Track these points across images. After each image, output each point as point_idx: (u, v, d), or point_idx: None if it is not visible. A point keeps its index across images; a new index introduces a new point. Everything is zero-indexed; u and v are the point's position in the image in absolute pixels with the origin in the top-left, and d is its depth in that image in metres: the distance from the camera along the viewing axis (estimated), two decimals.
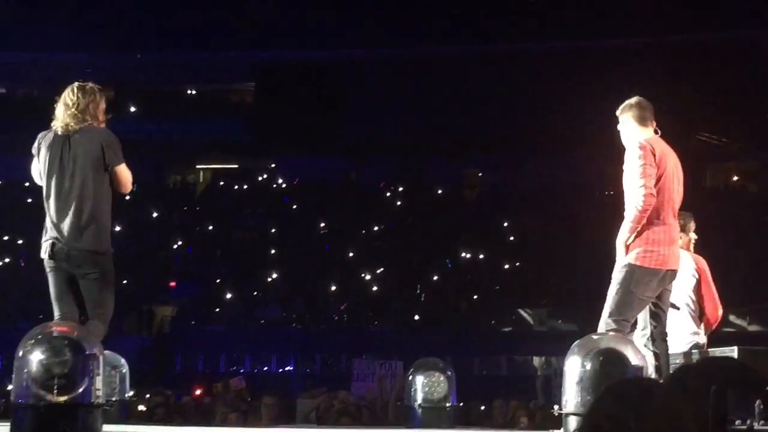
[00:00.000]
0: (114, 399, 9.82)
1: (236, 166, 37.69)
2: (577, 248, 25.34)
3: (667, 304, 7.39)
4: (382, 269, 28.21)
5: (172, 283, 28.58)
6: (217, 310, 27.14)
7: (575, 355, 6.79)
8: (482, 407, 16.21)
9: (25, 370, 6.33)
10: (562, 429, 6.92)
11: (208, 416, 14.75)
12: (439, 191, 33.85)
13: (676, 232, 7.29)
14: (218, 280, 28.20)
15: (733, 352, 7.54)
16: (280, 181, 35.35)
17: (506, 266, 28.18)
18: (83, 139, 7.20)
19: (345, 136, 34.79)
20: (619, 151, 7.39)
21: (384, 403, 15.04)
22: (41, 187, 7.37)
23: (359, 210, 31.84)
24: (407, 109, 33.97)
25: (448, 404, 11.35)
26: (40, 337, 6.46)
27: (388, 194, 33.59)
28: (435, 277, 27.85)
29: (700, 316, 8.62)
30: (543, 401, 16.90)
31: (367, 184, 34.04)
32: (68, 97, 7.29)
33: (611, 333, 6.97)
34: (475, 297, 26.90)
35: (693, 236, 8.65)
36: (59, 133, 7.25)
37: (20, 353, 6.40)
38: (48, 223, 7.20)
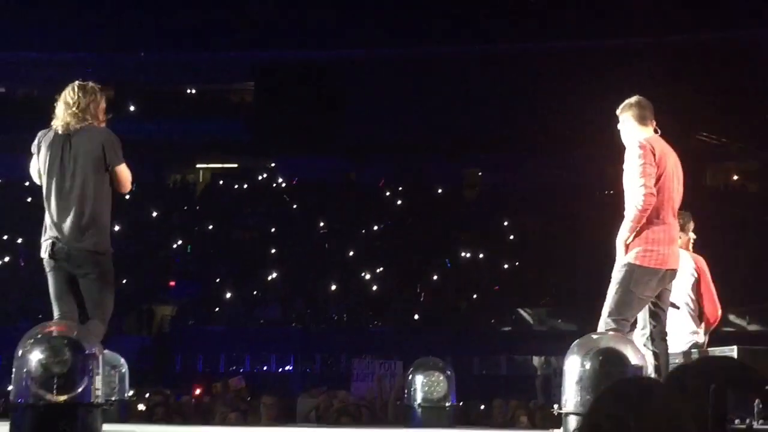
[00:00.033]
0: (113, 398, 9.83)
1: (236, 165, 37.70)
2: (576, 248, 25.34)
3: (666, 304, 7.39)
4: (381, 269, 28.21)
5: (172, 283, 28.57)
6: (217, 309, 27.14)
7: (575, 355, 6.79)
8: (482, 407, 16.21)
9: (25, 370, 6.33)
10: (561, 428, 6.92)
11: (208, 416, 14.76)
12: (439, 191, 33.86)
13: (675, 231, 7.29)
14: (218, 280, 28.20)
15: (732, 351, 7.54)
16: (280, 180, 35.36)
17: (506, 266, 28.18)
18: (84, 138, 7.19)
19: (345, 136, 34.79)
20: (619, 150, 7.39)
21: (383, 403, 15.05)
22: (40, 186, 7.36)
23: (359, 210, 31.84)
24: (407, 109, 33.97)
25: (447, 404, 11.35)
26: (39, 336, 6.46)
27: (388, 194, 33.58)
28: (435, 277, 27.85)
29: (699, 315, 8.62)
30: (542, 401, 16.91)
31: (367, 184, 34.05)
32: (69, 96, 7.28)
33: (611, 332, 6.97)
34: (475, 297, 26.90)
35: (692, 236, 8.65)
36: (60, 132, 7.23)
37: (20, 353, 6.40)
38: (48, 223, 7.18)
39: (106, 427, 6.87)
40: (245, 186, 34.94)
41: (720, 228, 23.47)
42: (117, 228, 23.87)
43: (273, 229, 31.21)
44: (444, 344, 22.57)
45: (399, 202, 32.96)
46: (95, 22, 33.93)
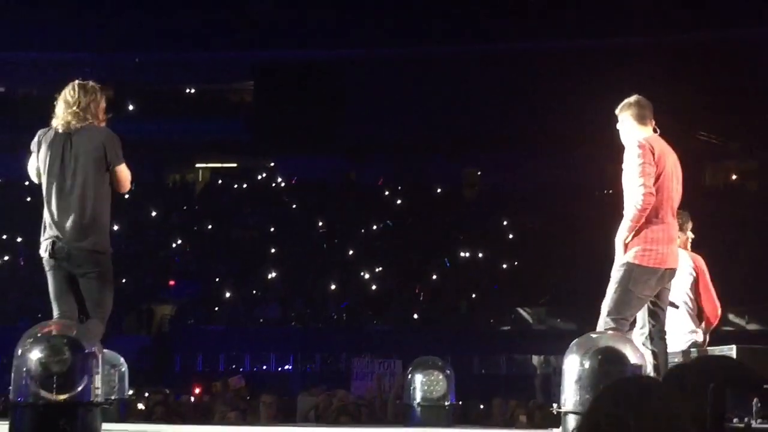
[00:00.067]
0: (113, 398, 9.81)
1: (235, 165, 37.71)
2: (576, 247, 25.36)
3: (665, 303, 7.39)
4: (381, 268, 28.22)
5: (172, 282, 28.59)
6: (217, 309, 27.15)
7: (574, 354, 6.79)
8: (481, 406, 16.22)
9: (24, 369, 6.32)
10: (561, 428, 6.92)
11: (207, 415, 14.76)
12: (439, 190, 33.86)
13: (674, 230, 7.29)
14: (218, 280, 28.21)
15: (731, 350, 7.54)
16: (280, 180, 35.37)
17: (505, 265, 28.19)
18: (85, 137, 7.18)
19: (345, 135, 34.79)
20: (618, 150, 7.39)
21: (383, 402, 15.05)
22: (39, 185, 7.36)
23: (359, 209, 31.84)
24: (407, 109, 33.97)
25: (447, 403, 11.34)
26: (39, 335, 6.45)
27: (387, 193, 33.59)
28: (434, 277, 27.86)
29: (698, 314, 8.61)
30: (542, 400, 16.89)
31: (367, 184, 34.06)
32: (69, 95, 7.27)
33: (610, 332, 6.97)
34: (474, 296, 26.92)
35: (690, 235, 8.65)
36: (60, 131, 7.22)
37: (19, 352, 6.39)
38: (47, 222, 7.17)
39: (105, 426, 6.87)
40: (245, 186, 34.95)
41: (719, 227, 23.49)
42: (116, 227, 23.86)
43: (272, 229, 31.22)
44: (443, 343, 22.59)
45: (399, 201, 32.97)
46: (95, 22, 33.92)
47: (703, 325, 8.62)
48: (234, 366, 25.24)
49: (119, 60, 35.08)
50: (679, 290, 8.27)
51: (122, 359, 10.51)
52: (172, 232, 31.25)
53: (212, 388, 18.14)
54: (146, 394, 15.11)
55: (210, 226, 31.48)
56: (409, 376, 11.60)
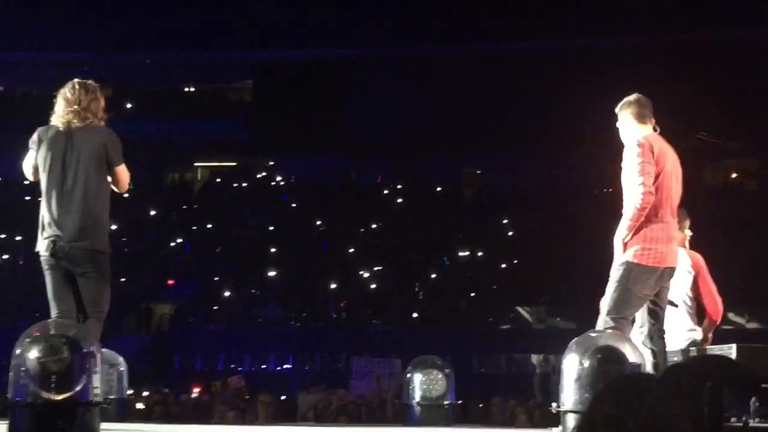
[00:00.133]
0: (112, 397, 9.82)
1: (235, 164, 37.70)
2: (575, 247, 25.35)
3: (665, 302, 7.40)
4: (381, 268, 28.22)
5: (171, 282, 28.59)
6: (216, 308, 27.15)
7: (573, 353, 6.80)
8: (481, 405, 16.21)
9: (23, 368, 6.32)
10: (560, 427, 6.93)
11: (207, 415, 14.76)
12: (438, 190, 33.86)
13: (674, 229, 7.30)
14: (217, 279, 28.21)
15: (731, 349, 7.54)
16: (279, 179, 35.37)
17: (505, 265, 28.19)
18: (86, 137, 7.18)
19: (344, 135, 34.79)
20: (618, 149, 7.39)
21: (382, 401, 15.06)
22: (36, 183, 7.35)
23: (358, 209, 31.85)
24: (407, 109, 33.96)
25: (446, 402, 11.34)
26: (37, 335, 6.44)
27: (386, 192, 33.59)
28: (434, 276, 27.86)
29: (697, 313, 8.61)
30: (541, 399, 16.90)
31: (367, 184, 34.06)
32: (69, 93, 7.27)
33: (609, 331, 6.98)
34: (474, 295, 26.91)
35: (688, 233, 8.65)
36: (61, 129, 7.22)
37: (18, 351, 6.38)
38: (47, 220, 7.15)
39: (104, 425, 6.87)
40: (244, 185, 34.94)
41: (719, 226, 23.49)
42: (116, 227, 23.86)
43: (272, 229, 31.22)
44: (443, 343, 22.59)
45: (398, 201, 32.98)
46: (95, 22, 33.91)
47: (705, 323, 8.61)
48: (233, 366, 25.23)
49: (119, 60, 35.07)
50: (678, 289, 8.27)
51: (121, 359, 10.51)
52: (172, 231, 31.26)
53: (212, 387, 18.15)
54: (145, 394, 15.11)
55: (209, 226, 31.48)
56: (409, 376, 11.60)
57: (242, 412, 14.17)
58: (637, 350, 6.83)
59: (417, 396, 11.34)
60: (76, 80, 7.38)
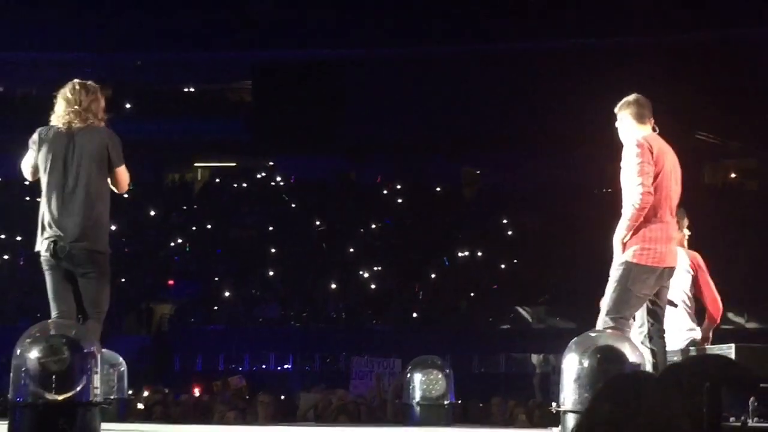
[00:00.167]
0: (112, 397, 9.84)
1: (235, 164, 37.69)
2: (575, 246, 25.35)
3: (664, 302, 7.40)
4: (381, 268, 28.23)
5: (171, 282, 28.59)
6: (216, 308, 27.16)
7: (573, 353, 6.80)
8: (481, 405, 16.22)
9: (23, 369, 6.32)
10: (560, 426, 6.93)
11: (207, 415, 14.76)
12: (438, 190, 33.86)
13: (673, 229, 7.30)
14: (217, 279, 28.21)
15: (731, 349, 7.54)
16: (279, 179, 35.37)
17: (505, 265, 28.19)
18: (87, 137, 7.18)
19: (344, 135, 34.78)
20: (618, 149, 7.39)
21: (382, 401, 15.06)
22: (33, 182, 7.35)
23: (358, 209, 31.85)
24: (407, 109, 33.95)
25: (446, 402, 11.36)
26: (38, 335, 6.45)
27: (386, 192, 33.59)
28: (434, 276, 27.86)
29: (696, 312, 8.62)
30: (541, 399, 16.91)
31: (367, 184, 34.06)
32: (70, 94, 7.26)
33: (609, 331, 6.98)
34: (474, 295, 26.91)
35: (686, 232, 8.65)
36: (62, 130, 7.21)
37: (18, 351, 6.39)
38: (47, 220, 7.15)
39: (104, 426, 6.88)
40: (244, 185, 34.94)
41: (718, 226, 23.48)
42: (116, 227, 23.86)
43: (272, 228, 31.22)
44: (443, 343, 22.60)
45: (398, 201, 32.98)
46: (95, 22, 33.91)
47: (705, 322, 8.61)
48: (233, 366, 25.24)
49: (119, 60, 35.07)
50: (677, 289, 8.27)
51: (121, 359, 10.53)
52: (172, 231, 31.26)
53: (213, 386, 18.16)
54: (145, 394, 15.12)
55: (209, 226, 31.48)
56: (409, 376, 11.61)
57: (242, 412, 14.18)
58: (636, 350, 6.84)
59: (417, 396, 11.36)
60: (76, 81, 7.38)
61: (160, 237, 30.94)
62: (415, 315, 26.25)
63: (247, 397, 16.16)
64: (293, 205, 32.66)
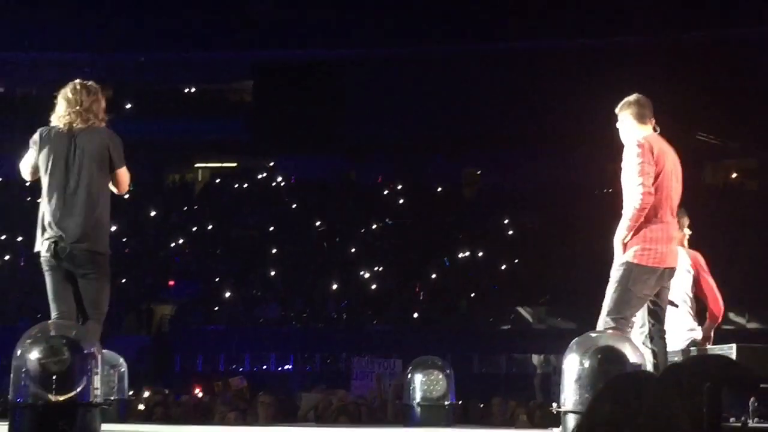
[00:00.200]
0: (112, 398, 9.83)
1: (235, 165, 37.70)
2: (575, 247, 25.36)
3: (665, 302, 7.39)
4: (381, 268, 28.23)
5: (172, 282, 28.59)
6: (217, 309, 27.16)
7: (574, 353, 6.80)
8: (481, 405, 16.21)
9: (24, 369, 6.32)
10: (560, 427, 6.93)
11: (207, 415, 14.76)
12: (439, 190, 33.87)
13: (674, 230, 7.30)
14: (217, 279, 28.22)
15: (732, 349, 7.54)
16: (279, 179, 35.37)
17: (505, 265, 28.19)
18: (89, 138, 7.17)
19: (345, 135, 34.80)
20: (618, 149, 7.39)
21: (383, 402, 15.06)
22: (32, 182, 7.35)
23: (359, 209, 31.85)
24: (407, 109, 33.97)
25: (446, 402, 11.34)
26: (38, 336, 6.45)
27: (386, 192, 33.60)
28: (434, 276, 27.86)
29: (697, 312, 8.62)
30: (542, 399, 16.92)
31: (367, 184, 34.07)
32: (71, 94, 7.25)
33: (609, 331, 6.98)
34: (474, 295, 26.92)
35: (687, 232, 8.65)
36: (63, 130, 7.21)
37: (18, 352, 6.38)
38: (47, 221, 7.13)
39: (105, 426, 6.88)
40: (244, 185, 34.94)
41: (719, 226, 23.50)
42: (116, 227, 23.87)
43: (272, 229, 31.22)
44: (443, 343, 22.61)
45: (399, 201, 32.98)
46: (95, 22, 33.92)
47: (707, 321, 8.61)
48: (234, 366, 25.25)
49: (119, 60, 35.07)
50: (678, 289, 8.27)
51: (122, 359, 10.52)
52: (172, 231, 31.26)
53: (215, 387, 18.15)
54: (146, 395, 15.11)
55: (210, 226, 31.49)
56: (409, 376, 11.60)
57: (243, 413, 14.17)
58: (637, 350, 6.83)
59: (417, 396, 11.35)
60: (77, 81, 7.37)
61: (160, 237, 30.95)
62: (415, 315, 26.25)
63: (248, 397, 16.14)
64: (293, 206, 32.66)
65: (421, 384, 11.36)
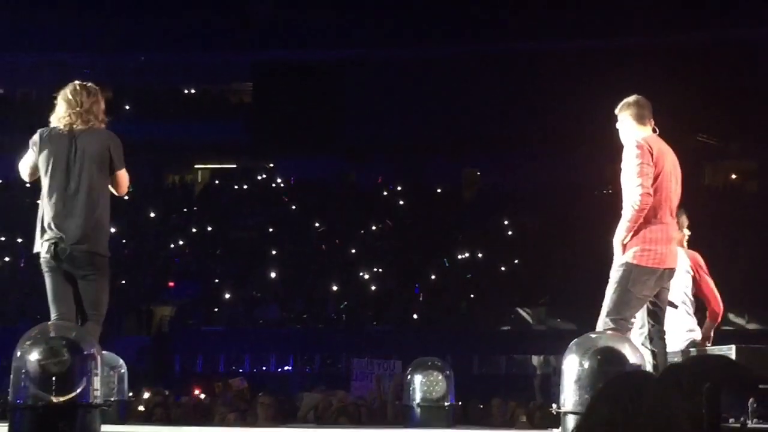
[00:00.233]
0: (112, 399, 9.82)
1: (235, 166, 37.70)
2: (575, 247, 25.36)
3: (665, 303, 7.39)
4: (381, 269, 28.22)
5: (171, 283, 28.59)
6: (216, 310, 27.16)
7: (573, 354, 6.80)
8: (481, 406, 16.20)
9: (23, 371, 6.32)
10: (560, 428, 6.93)
11: (207, 416, 14.76)
12: (438, 190, 33.87)
13: (673, 230, 7.30)
14: (217, 280, 28.22)
15: (731, 350, 7.53)
16: (279, 181, 35.38)
17: (505, 266, 28.20)
18: (89, 139, 7.17)
19: (344, 136, 34.80)
20: (618, 150, 7.39)
21: (382, 403, 15.05)
22: (31, 183, 7.35)
23: (358, 210, 31.85)
24: (407, 109, 33.98)
25: (446, 403, 11.33)
26: (38, 337, 6.44)
27: (386, 193, 33.60)
28: (434, 277, 27.86)
29: (696, 313, 8.62)
30: (541, 400, 16.90)
31: (367, 185, 34.07)
32: (71, 95, 7.24)
33: (609, 332, 6.97)
34: (474, 296, 26.91)
35: (686, 232, 8.65)
36: (64, 131, 7.20)
37: (18, 353, 6.38)
38: (47, 222, 7.12)
39: (104, 428, 6.87)
40: (244, 186, 34.95)
41: (719, 227, 23.49)
42: (116, 229, 23.87)
43: (272, 230, 31.22)
44: (443, 344, 22.60)
45: (398, 202, 32.99)
46: (95, 23, 33.93)
47: (707, 321, 8.61)
48: (234, 367, 25.25)
49: (119, 61, 35.08)
50: (678, 289, 8.27)
51: (121, 361, 10.52)
52: (172, 232, 31.26)
53: (215, 387, 18.15)
54: (146, 396, 15.11)
55: (209, 227, 31.49)
56: (409, 377, 11.59)
57: (243, 414, 14.17)
58: (637, 351, 6.83)
59: (417, 397, 11.34)
60: (77, 82, 7.36)
61: (160, 238, 30.96)
62: (415, 316, 26.25)
63: (248, 398, 16.13)
64: (293, 207, 32.66)
65: (421, 385, 11.35)
